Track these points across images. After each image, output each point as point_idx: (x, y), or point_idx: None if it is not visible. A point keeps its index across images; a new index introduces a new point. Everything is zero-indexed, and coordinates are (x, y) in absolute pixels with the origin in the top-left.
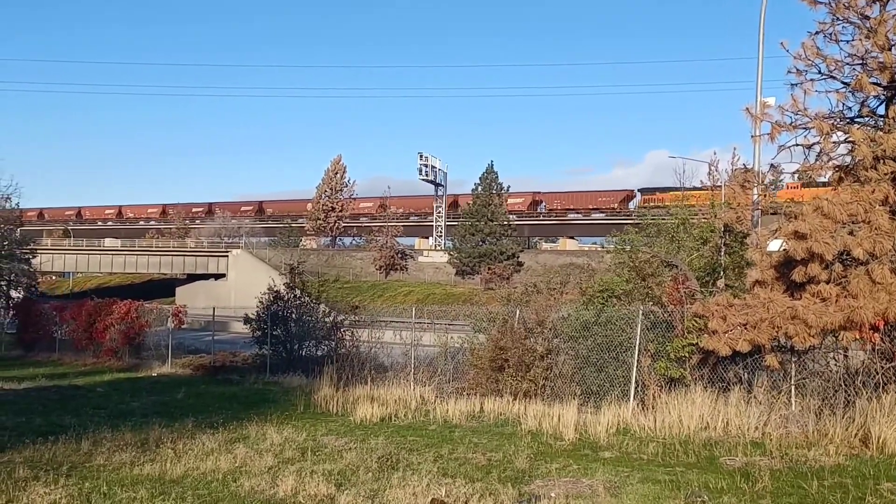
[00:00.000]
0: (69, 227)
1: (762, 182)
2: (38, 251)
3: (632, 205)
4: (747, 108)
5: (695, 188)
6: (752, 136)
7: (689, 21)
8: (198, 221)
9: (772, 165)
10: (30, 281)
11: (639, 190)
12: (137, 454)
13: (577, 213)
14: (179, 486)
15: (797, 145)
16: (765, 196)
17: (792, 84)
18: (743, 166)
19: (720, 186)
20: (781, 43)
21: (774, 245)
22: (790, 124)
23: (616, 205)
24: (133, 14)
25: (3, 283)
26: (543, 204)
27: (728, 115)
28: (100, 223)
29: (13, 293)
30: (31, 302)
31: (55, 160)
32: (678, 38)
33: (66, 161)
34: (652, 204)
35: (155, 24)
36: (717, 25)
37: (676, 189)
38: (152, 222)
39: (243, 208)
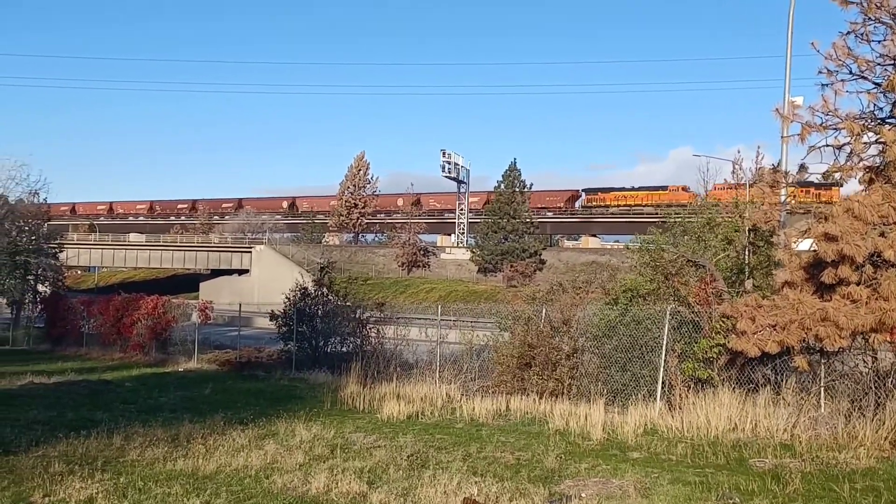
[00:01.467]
0: (99, 223)
1: (791, 182)
2: (65, 246)
3: (577, 204)
4: (777, 109)
5: (641, 188)
6: (781, 137)
7: (715, 18)
8: (227, 217)
9: (801, 166)
10: (56, 275)
11: (583, 190)
12: (170, 449)
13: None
14: (213, 483)
15: (827, 146)
16: (793, 197)
17: (822, 84)
18: (772, 166)
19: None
20: (812, 43)
21: (804, 245)
22: (820, 125)
23: (562, 204)
24: (164, 11)
25: (30, 277)
26: (420, 205)
27: (753, 112)
28: (131, 218)
29: (40, 287)
30: (58, 297)
31: (89, 155)
32: (703, 36)
33: (99, 157)
34: (594, 203)
35: (189, 20)
36: (742, 23)
37: (618, 189)
38: (182, 217)
39: (275, 203)
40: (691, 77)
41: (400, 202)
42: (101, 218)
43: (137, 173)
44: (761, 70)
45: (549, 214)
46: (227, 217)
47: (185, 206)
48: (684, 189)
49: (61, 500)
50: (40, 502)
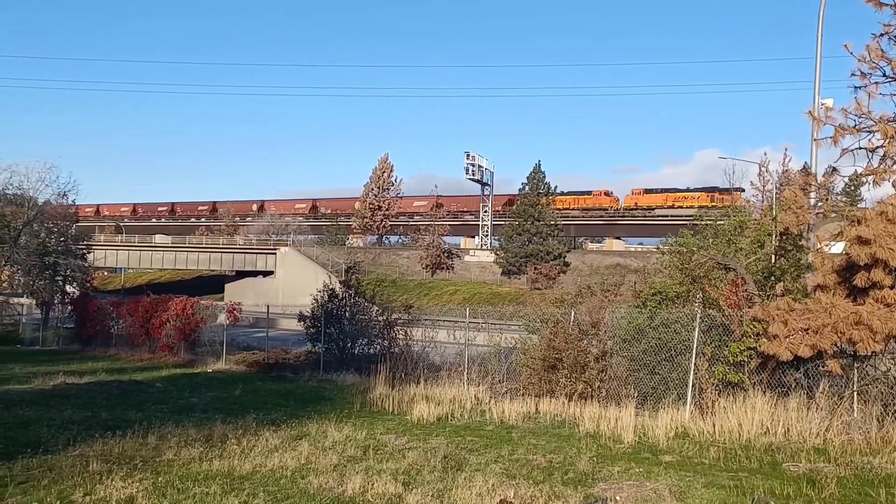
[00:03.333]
0: (124, 224)
1: (825, 186)
2: (92, 247)
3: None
4: (809, 112)
5: (569, 192)
6: (812, 139)
7: (744, 19)
8: (249, 219)
9: (833, 168)
10: (85, 276)
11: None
12: (205, 450)
13: (472, 214)
14: (249, 483)
15: (860, 148)
16: (825, 199)
17: (855, 87)
18: (804, 165)
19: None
20: (845, 45)
21: (837, 248)
22: (853, 127)
23: (500, 207)
24: (187, 11)
25: (59, 278)
26: (444, 207)
27: (780, 114)
28: (153, 220)
29: (68, 288)
30: (88, 297)
31: (114, 157)
32: (729, 37)
33: (123, 158)
34: (322, 212)
35: (212, 21)
36: (769, 24)
37: (551, 193)
38: (203, 219)
39: (297, 206)
40: (718, 78)
41: (431, 204)
42: (125, 219)
43: (160, 175)
44: (789, 71)
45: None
46: (249, 219)
47: (206, 207)
48: (606, 194)
49: (102, 498)
50: (81, 501)
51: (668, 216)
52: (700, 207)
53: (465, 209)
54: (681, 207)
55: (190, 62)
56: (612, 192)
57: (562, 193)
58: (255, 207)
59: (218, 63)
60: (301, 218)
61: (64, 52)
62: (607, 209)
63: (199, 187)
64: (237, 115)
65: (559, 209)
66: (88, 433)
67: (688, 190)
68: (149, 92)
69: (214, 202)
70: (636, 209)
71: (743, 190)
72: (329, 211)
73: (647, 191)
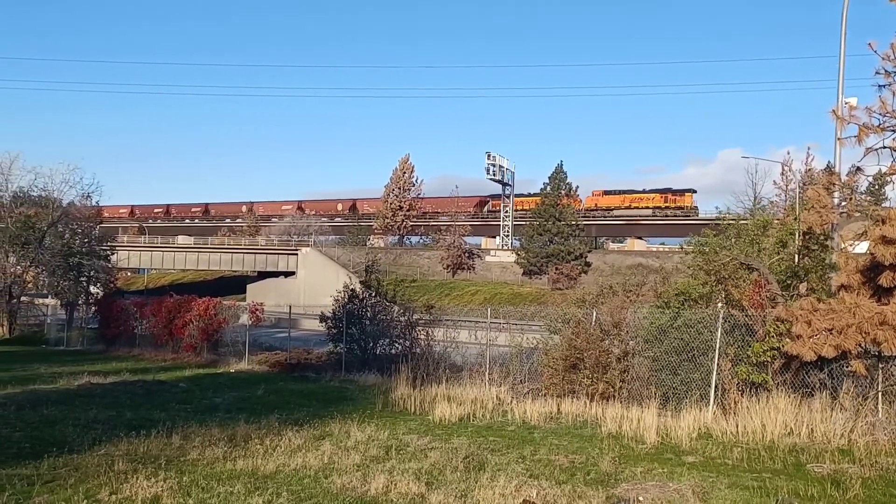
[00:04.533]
0: (149, 225)
1: (849, 185)
2: (116, 248)
3: (486, 209)
4: (833, 111)
5: (528, 194)
6: (836, 139)
7: (768, 19)
8: (287, 219)
9: (857, 168)
10: (108, 277)
11: (489, 196)
12: (228, 449)
13: (446, 215)
14: (273, 482)
15: (884, 147)
16: (849, 199)
17: (879, 85)
18: (828, 164)
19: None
20: (869, 44)
21: (861, 248)
22: (877, 126)
23: (472, 209)
24: (214, 13)
25: (83, 279)
26: (420, 208)
27: (805, 113)
28: (187, 220)
29: (92, 289)
30: (112, 298)
31: (149, 159)
32: (754, 37)
33: (158, 160)
34: (497, 208)
35: (236, 23)
36: (793, 24)
37: (515, 196)
38: (238, 220)
39: (336, 206)
40: (743, 77)
41: (475, 204)
42: (158, 220)
43: (194, 176)
44: (814, 70)
45: (463, 218)
46: (287, 219)
47: (242, 207)
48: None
49: (127, 497)
50: (107, 500)
51: (624, 216)
52: (654, 208)
53: (440, 210)
54: (637, 208)
55: (222, 63)
56: (503, 196)
57: (530, 195)
58: (292, 207)
59: (249, 64)
60: (339, 218)
61: (96, 54)
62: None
63: (234, 189)
64: (268, 116)
65: (526, 209)
66: (113, 433)
67: (643, 192)
68: (186, 94)
69: (250, 202)
70: (596, 210)
71: (695, 191)
72: (314, 212)
73: (607, 192)
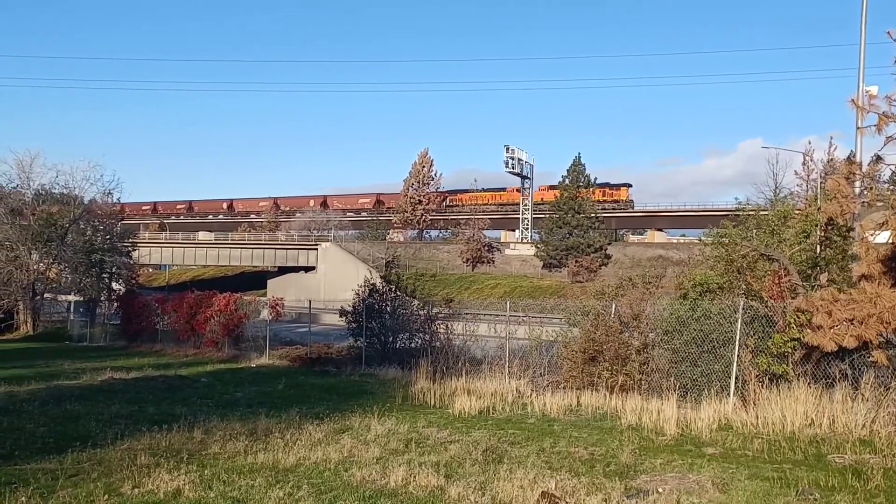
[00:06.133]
0: (170, 222)
1: (870, 175)
2: (137, 244)
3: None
4: (852, 100)
5: (486, 189)
6: (857, 128)
7: (788, 8)
8: (311, 214)
9: (878, 157)
10: (130, 273)
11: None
12: (249, 443)
13: (399, 213)
14: (294, 475)
15: None
16: (870, 188)
17: None
18: (850, 154)
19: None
20: (888, 32)
21: (882, 237)
22: None
23: (372, 205)
24: (233, 8)
25: (105, 275)
26: (384, 204)
27: (826, 102)
28: (210, 216)
29: (114, 285)
30: (134, 294)
31: (172, 156)
32: (774, 26)
33: (181, 157)
34: (454, 203)
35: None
36: (814, 13)
37: (470, 191)
38: (263, 215)
39: (360, 200)
40: (763, 67)
41: (366, 201)
42: (181, 217)
43: (217, 173)
44: (834, 59)
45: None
46: (310, 214)
47: (267, 203)
48: (518, 190)
49: (149, 491)
50: (130, 493)
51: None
52: (594, 202)
53: (347, 206)
54: (609, 201)
55: (246, 60)
56: (522, 189)
57: (484, 190)
58: (317, 202)
59: (272, 60)
60: (365, 213)
61: (119, 52)
62: (517, 204)
63: (258, 184)
64: (292, 112)
65: (480, 204)
66: (136, 427)
67: (619, 185)
68: (211, 91)
69: (276, 198)
70: (542, 204)
71: (630, 185)
72: (338, 207)
73: (551, 187)
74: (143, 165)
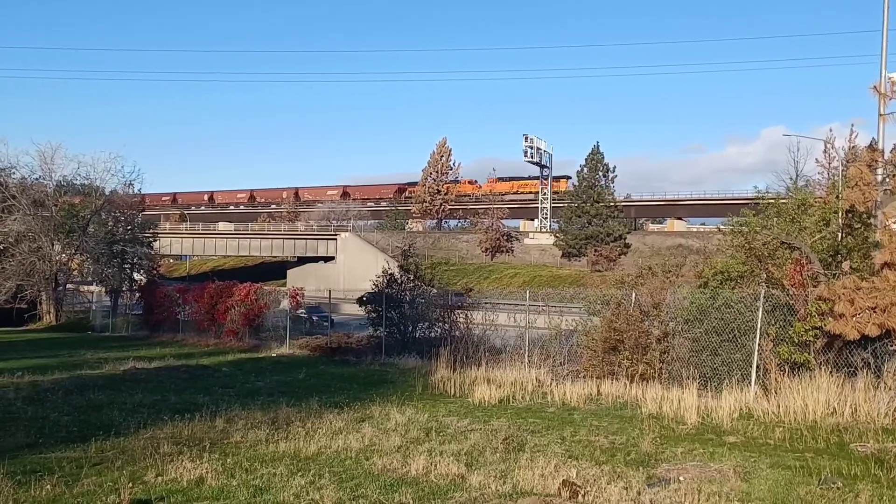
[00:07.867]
0: (190, 213)
1: (892, 162)
2: (158, 235)
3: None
4: (875, 87)
5: (530, 177)
6: (879, 115)
7: None
8: (330, 204)
9: None
10: (151, 264)
11: (407, 184)
12: (271, 432)
13: (386, 201)
14: (315, 463)
15: None
16: (893, 176)
17: None
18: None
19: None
20: None
21: None
22: None
23: (392, 195)
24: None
25: (126, 266)
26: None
27: (848, 89)
28: (231, 207)
29: (136, 276)
30: (155, 285)
31: (192, 147)
32: (796, 13)
33: (201, 148)
34: (409, 195)
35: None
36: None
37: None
38: (283, 206)
39: (382, 191)
40: (785, 54)
41: (334, 193)
42: (202, 207)
43: (236, 164)
44: (858, 46)
45: (385, 204)
46: (332, 203)
47: (288, 193)
48: (470, 182)
49: (173, 479)
50: (153, 481)
51: (514, 200)
52: (535, 193)
53: (368, 197)
54: (522, 193)
55: (267, 50)
56: (475, 181)
57: (502, 179)
58: (337, 192)
59: (293, 51)
60: (385, 203)
61: (140, 43)
62: (470, 195)
63: (278, 175)
64: (312, 102)
65: (499, 194)
66: (158, 416)
67: (529, 178)
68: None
69: (296, 188)
70: (491, 195)
71: (569, 177)
72: (359, 197)
73: (500, 179)
74: (163, 157)
